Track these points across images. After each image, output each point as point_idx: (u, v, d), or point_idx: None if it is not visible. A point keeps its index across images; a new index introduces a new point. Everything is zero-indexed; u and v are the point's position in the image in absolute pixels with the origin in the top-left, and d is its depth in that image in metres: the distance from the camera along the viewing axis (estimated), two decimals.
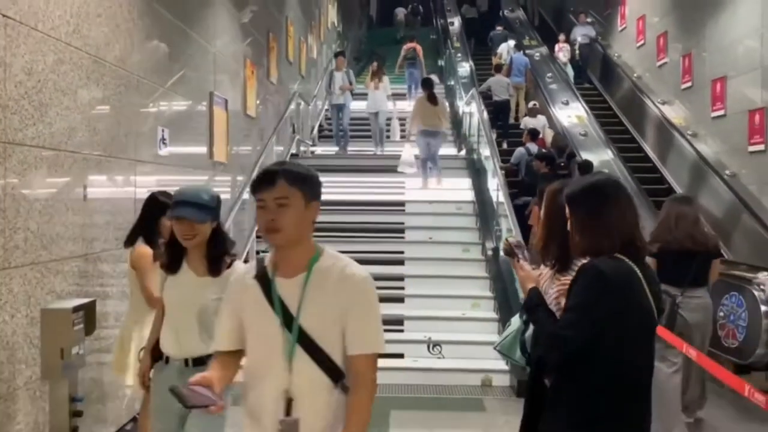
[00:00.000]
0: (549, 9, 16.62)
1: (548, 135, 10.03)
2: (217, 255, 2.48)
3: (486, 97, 10.83)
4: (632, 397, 1.86)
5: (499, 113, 10.80)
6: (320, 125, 11.03)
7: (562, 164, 8.39)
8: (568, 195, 2.01)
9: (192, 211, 2.39)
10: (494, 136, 9.80)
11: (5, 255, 2.87)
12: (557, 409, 1.91)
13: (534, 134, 9.28)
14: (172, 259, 2.54)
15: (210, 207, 2.44)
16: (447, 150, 9.93)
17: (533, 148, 8.88)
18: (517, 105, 11.58)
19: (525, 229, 5.36)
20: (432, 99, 8.56)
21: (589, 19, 12.92)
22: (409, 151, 8.71)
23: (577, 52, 12.41)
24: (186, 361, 2.48)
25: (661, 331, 3.87)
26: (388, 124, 10.18)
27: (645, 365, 1.89)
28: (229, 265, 2.49)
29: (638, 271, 1.85)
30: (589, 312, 1.81)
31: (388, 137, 10.13)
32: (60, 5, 3.25)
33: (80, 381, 3.45)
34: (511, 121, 11.13)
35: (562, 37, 12.85)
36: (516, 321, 2.52)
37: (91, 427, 3.48)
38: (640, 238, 1.92)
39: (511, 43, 13.31)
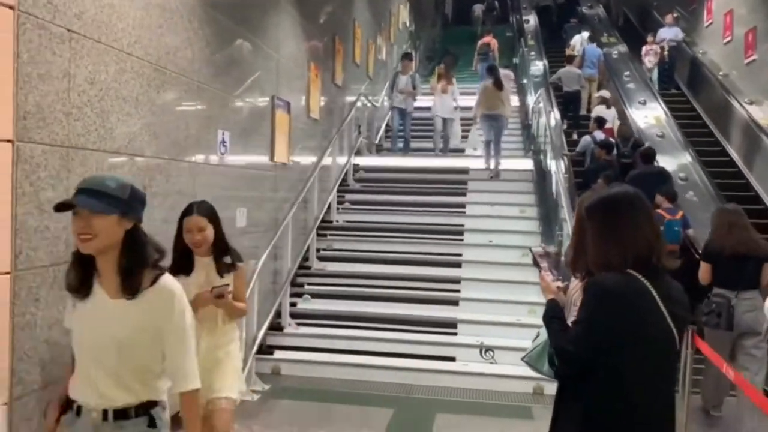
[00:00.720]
0: (633, 6, 15.88)
1: (617, 125, 9.91)
2: (131, 267, 1.86)
3: (557, 88, 10.96)
4: (641, 416, 1.80)
5: (569, 104, 10.82)
6: (387, 125, 11.09)
7: (626, 153, 8.42)
8: (586, 207, 2.00)
9: (88, 200, 1.79)
10: (564, 126, 10.05)
11: (66, 250, 3.12)
12: (568, 421, 1.91)
13: (601, 122, 9.30)
14: (80, 278, 1.91)
15: (116, 197, 1.82)
16: (514, 152, 9.78)
17: (599, 136, 8.89)
18: (590, 96, 11.40)
19: None
20: (498, 84, 8.82)
21: (675, 15, 12.23)
22: (475, 134, 9.18)
23: (666, 54, 11.51)
24: (105, 412, 1.89)
25: (700, 344, 3.80)
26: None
27: (653, 387, 1.81)
28: (154, 282, 1.89)
29: (652, 290, 1.79)
30: (590, 327, 1.80)
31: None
32: (122, 18, 3.49)
33: None
34: (583, 112, 11.02)
35: (650, 38, 11.76)
36: (544, 332, 2.49)
37: None
38: (658, 254, 1.86)
39: (585, 34, 13.09)
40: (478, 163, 8.79)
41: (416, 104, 10.03)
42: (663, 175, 7.21)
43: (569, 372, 1.89)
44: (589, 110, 11.00)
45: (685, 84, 11.38)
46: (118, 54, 3.46)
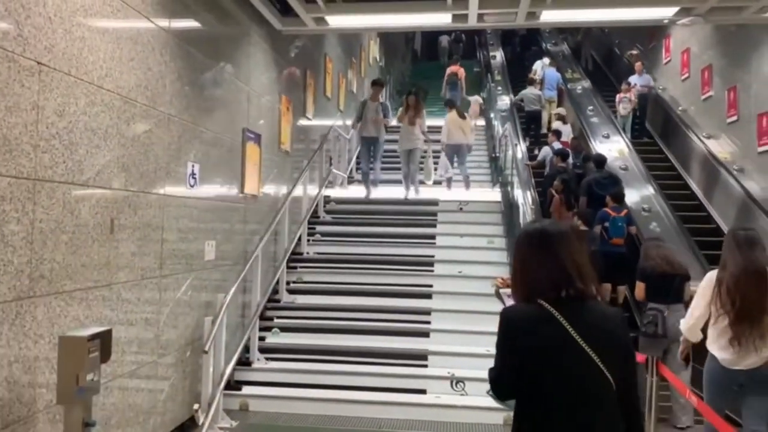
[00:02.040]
0: (599, 48, 16.39)
1: (570, 139, 10.95)
2: None
3: (519, 108, 12.19)
4: None
5: (531, 122, 12.01)
6: (358, 158, 11.14)
7: (578, 164, 9.47)
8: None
9: None
10: (527, 143, 11.09)
11: (30, 284, 3.06)
12: None
13: (558, 133, 10.61)
14: None
15: None
16: (482, 184, 9.95)
17: (557, 145, 10.10)
18: (550, 117, 12.35)
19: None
20: (460, 114, 9.79)
21: (636, 52, 12.69)
22: (444, 160, 9.91)
23: (635, 101, 11.32)
24: None
25: (665, 372, 4.21)
26: (422, 163, 9.52)
27: (585, 414, 1.80)
28: None
29: (560, 317, 1.84)
30: (499, 354, 1.91)
31: (421, 181, 9.42)
32: (93, 52, 3.50)
33: (101, 406, 3.61)
34: (544, 131, 12.05)
35: (624, 86, 11.35)
36: None
37: None
38: (567, 285, 1.90)
39: (546, 60, 13.91)
40: (448, 195, 8.91)
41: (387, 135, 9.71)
42: (614, 179, 8.13)
43: (497, 397, 1.98)
44: (549, 129, 11.73)
45: (648, 120, 11.75)
46: (88, 87, 3.46)
